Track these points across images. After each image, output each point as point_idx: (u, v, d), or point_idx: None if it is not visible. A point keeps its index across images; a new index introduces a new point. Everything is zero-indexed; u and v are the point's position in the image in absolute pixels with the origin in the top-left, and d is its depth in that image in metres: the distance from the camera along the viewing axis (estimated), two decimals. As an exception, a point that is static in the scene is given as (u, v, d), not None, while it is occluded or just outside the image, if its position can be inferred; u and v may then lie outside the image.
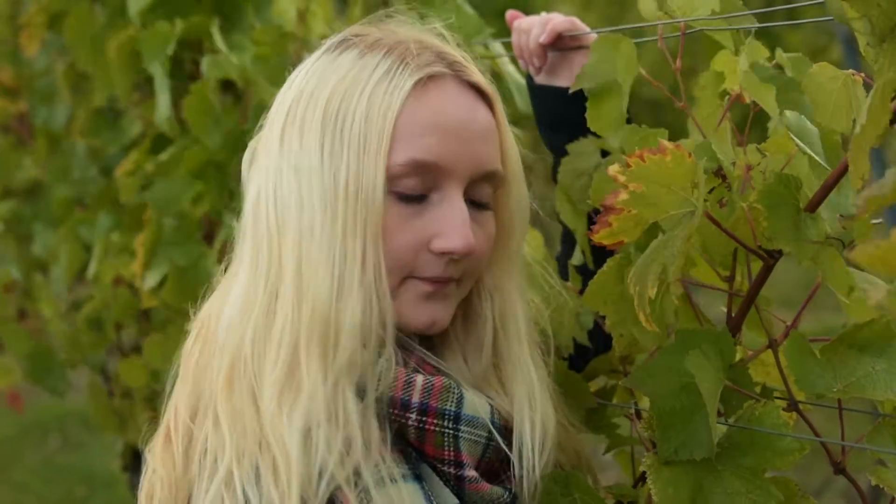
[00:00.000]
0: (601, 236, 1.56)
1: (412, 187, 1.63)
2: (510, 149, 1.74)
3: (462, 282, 1.71)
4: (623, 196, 1.51)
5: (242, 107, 2.62)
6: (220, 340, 1.67)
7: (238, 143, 2.60)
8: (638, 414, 1.82)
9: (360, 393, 1.60)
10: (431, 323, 1.69)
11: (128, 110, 2.99)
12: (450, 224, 1.63)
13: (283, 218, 1.64)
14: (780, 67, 1.73)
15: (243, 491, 1.54)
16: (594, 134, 1.88)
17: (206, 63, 2.53)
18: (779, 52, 1.73)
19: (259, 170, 1.71)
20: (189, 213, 2.72)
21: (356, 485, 1.55)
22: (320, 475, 1.53)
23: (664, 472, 1.60)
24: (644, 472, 1.72)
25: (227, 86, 2.69)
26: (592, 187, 1.70)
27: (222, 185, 2.67)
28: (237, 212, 1.76)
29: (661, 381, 1.62)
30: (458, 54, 1.73)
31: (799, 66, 1.71)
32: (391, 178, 1.62)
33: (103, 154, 3.15)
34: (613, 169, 1.51)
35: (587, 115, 1.75)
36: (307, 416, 1.55)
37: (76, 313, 3.34)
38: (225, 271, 1.79)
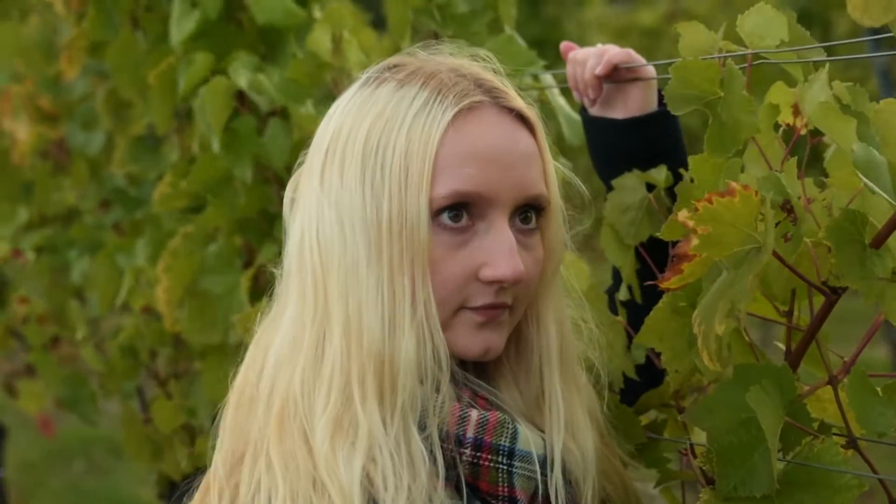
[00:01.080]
0: (672, 283, 1.55)
1: (457, 218, 1.61)
2: (552, 173, 1.73)
3: (514, 308, 1.68)
4: (695, 242, 1.50)
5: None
6: (267, 383, 1.66)
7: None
8: (692, 449, 1.80)
9: (421, 428, 1.59)
10: (486, 351, 1.67)
11: (167, 137, 2.99)
12: (497, 252, 1.61)
13: (327, 256, 1.63)
14: (838, 99, 1.71)
15: None
16: (646, 167, 1.87)
17: (249, 88, 2.53)
18: (837, 83, 1.71)
19: (301, 207, 1.71)
20: (229, 240, 2.72)
21: None
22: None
23: (723, 509, 1.60)
24: (699, 506, 1.72)
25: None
26: (666, 226, 1.68)
27: (263, 212, 2.67)
28: (278, 241, 1.76)
29: (721, 417, 1.61)
30: (496, 80, 1.72)
31: (857, 98, 1.70)
32: (435, 211, 1.60)
33: (141, 181, 3.16)
34: (682, 215, 1.50)
35: (707, 135, 1.73)
36: (366, 456, 1.55)
37: (112, 341, 3.34)
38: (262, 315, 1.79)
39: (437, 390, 1.61)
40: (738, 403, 1.57)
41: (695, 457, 1.76)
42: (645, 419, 1.96)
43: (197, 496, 1.70)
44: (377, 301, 1.59)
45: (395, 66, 1.72)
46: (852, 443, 1.64)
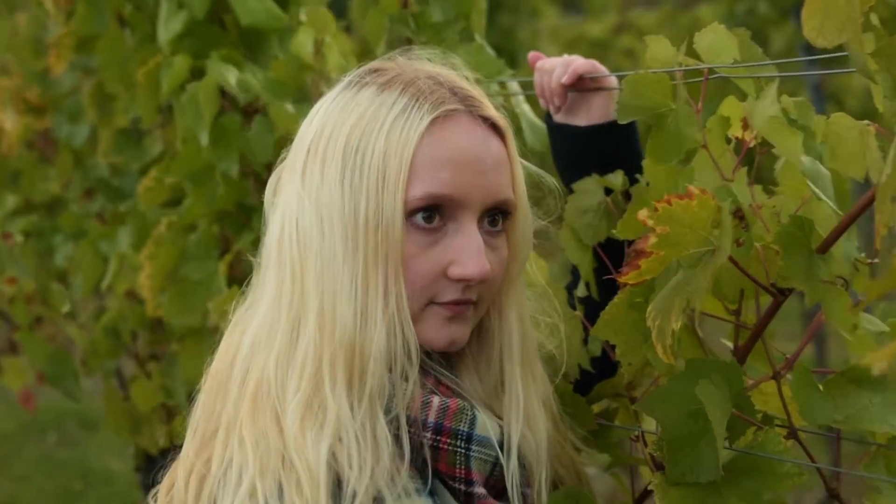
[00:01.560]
0: (630, 278, 1.56)
1: (429, 219, 1.63)
2: (520, 179, 1.75)
3: (478, 304, 1.71)
4: (653, 240, 1.52)
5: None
6: (242, 367, 1.68)
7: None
8: (642, 436, 1.82)
9: (385, 411, 1.61)
10: (451, 343, 1.69)
11: (151, 131, 3.00)
12: (465, 252, 1.63)
13: (305, 249, 1.65)
14: (786, 112, 1.73)
15: (266, 502, 1.55)
16: (604, 172, 1.89)
17: (237, 85, 2.53)
18: (785, 97, 1.73)
19: (282, 201, 1.72)
20: (209, 230, 2.72)
21: (376, 499, 1.56)
22: (343, 491, 1.55)
23: (671, 493, 1.62)
24: (645, 489, 1.74)
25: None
26: (621, 225, 1.69)
27: (240, 204, 2.67)
28: (254, 230, 1.76)
29: (672, 407, 1.63)
30: (471, 89, 1.73)
31: (803, 111, 1.72)
32: (410, 211, 1.62)
33: (125, 172, 3.16)
34: (642, 214, 1.52)
35: (648, 145, 1.76)
36: (333, 437, 1.57)
37: (95, 323, 3.34)
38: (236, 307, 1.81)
39: (406, 379, 1.63)
40: (688, 395, 1.59)
41: (645, 444, 1.77)
42: (598, 407, 1.97)
43: (167, 476, 1.71)
44: (351, 293, 1.61)
45: (376, 70, 1.74)
46: (793, 434, 1.66)
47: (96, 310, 3.46)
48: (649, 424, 1.80)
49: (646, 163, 1.80)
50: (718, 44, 1.75)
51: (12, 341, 4.61)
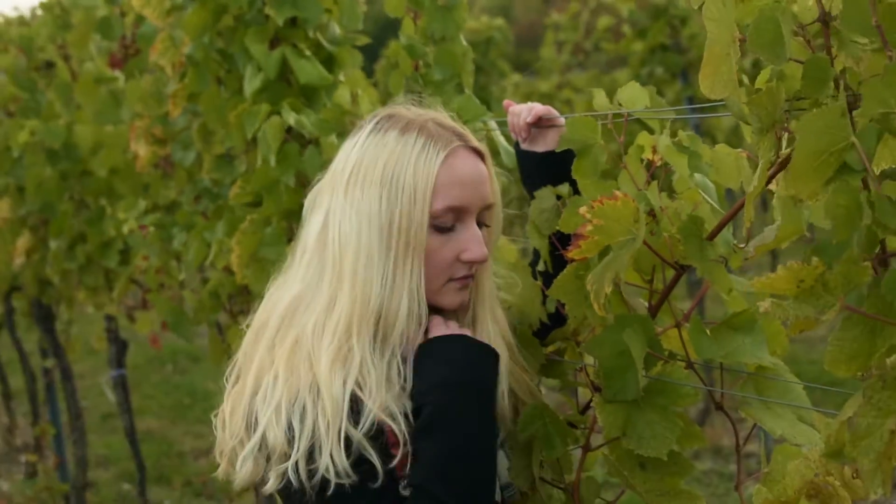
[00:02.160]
0: (574, 254, 1.57)
1: (447, 222, 1.68)
2: (496, 186, 1.78)
3: (478, 276, 1.75)
4: (590, 227, 1.52)
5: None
6: (275, 324, 1.68)
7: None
8: (584, 368, 1.81)
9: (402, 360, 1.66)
10: (461, 305, 1.75)
11: (238, 156, 2.98)
12: (472, 242, 1.69)
13: (344, 246, 1.66)
14: (680, 143, 1.73)
15: (289, 420, 1.56)
16: (556, 184, 1.87)
17: (295, 124, 2.53)
18: (681, 132, 1.74)
19: (322, 208, 1.72)
20: (279, 224, 2.72)
21: (392, 418, 1.57)
22: (362, 409, 1.56)
23: (607, 408, 1.62)
24: (588, 404, 1.75)
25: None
26: (563, 218, 1.70)
27: (300, 206, 2.66)
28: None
29: (606, 348, 1.63)
30: (459, 126, 1.77)
31: (694, 142, 1.73)
32: (434, 217, 1.66)
33: (221, 184, 3.15)
34: (583, 209, 1.53)
35: (574, 165, 1.78)
36: (356, 376, 1.58)
37: (202, 288, 3.34)
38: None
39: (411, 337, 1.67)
40: (618, 340, 1.60)
41: (587, 374, 1.77)
42: (553, 347, 1.96)
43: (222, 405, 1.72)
44: (382, 277, 1.64)
45: (390, 116, 1.75)
46: (690, 366, 1.65)
47: (202, 279, 3.46)
48: (589, 360, 1.78)
49: (575, 177, 1.82)
50: (634, 96, 1.76)
51: (144, 300, 4.61)
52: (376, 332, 1.64)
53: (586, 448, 1.78)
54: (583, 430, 1.84)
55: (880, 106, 1.10)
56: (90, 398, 8.39)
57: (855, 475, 1.29)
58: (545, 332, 1.93)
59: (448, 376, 1.63)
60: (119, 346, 5.00)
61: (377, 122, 1.74)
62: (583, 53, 9.33)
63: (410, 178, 1.66)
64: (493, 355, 1.70)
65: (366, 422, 1.55)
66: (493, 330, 1.78)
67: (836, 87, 1.26)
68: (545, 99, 8.25)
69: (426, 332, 1.69)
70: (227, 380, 1.74)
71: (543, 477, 1.86)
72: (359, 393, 1.57)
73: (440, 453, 1.57)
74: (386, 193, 1.65)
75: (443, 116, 1.77)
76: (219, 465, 1.72)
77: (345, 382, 1.57)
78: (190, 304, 3.67)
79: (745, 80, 1.44)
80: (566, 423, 1.82)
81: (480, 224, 1.74)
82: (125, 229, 3.87)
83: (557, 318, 1.90)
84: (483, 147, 1.77)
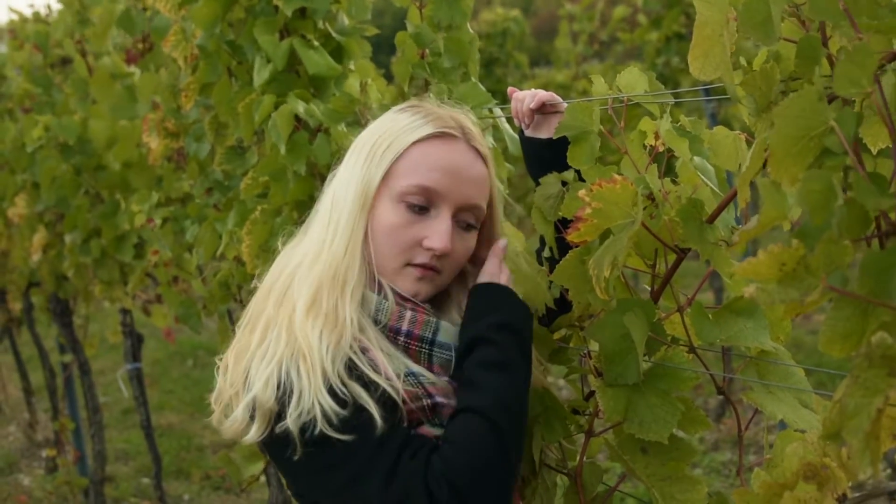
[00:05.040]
0: (573, 237, 1.57)
1: (417, 201, 1.71)
2: (496, 190, 1.83)
3: (443, 273, 1.76)
4: (588, 210, 1.52)
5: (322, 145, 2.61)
6: (283, 282, 1.72)
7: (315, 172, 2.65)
8: (589, 354, 1.81)
9: (376, 322, 1.68)
10: (415, 294, 1.75)
11: (249, 148, 2.99)
12: (436, 231, 1.71)
13: (334, 209, 1.74)
14: (683, 127, 1.73)
15: (279, 371, 1.58)
16: (561, 170, 1.87)
17: (305, 113, 2.54)
18: (683, 117, 1.74)
19: (333, 183, 1.79)
20: (289, 214, 2.73)
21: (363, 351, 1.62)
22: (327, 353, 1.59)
23: (608, 392, 1.62)
24: (592, 391, 1.74)
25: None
26: (565, 203, 1.70)
27: (310, 196, 2.66)
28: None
29: (608, 333, 1.63)
30: (474, 129, 1.80)
31: (695, 126, 1.73)
32: (405, 193, 1.70)
33: (232, 176, 3.16)
34: (582, 193, 1.53)
35: (569, 152, 1.76)
36: (321, 325, 1.61)
37: (212, 279, 3.34)
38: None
39: (385, 298, 1.71)
40: (619, 324, 1.60)
41: (591, 359, 1.77)
42: (558, 334, 1.96)
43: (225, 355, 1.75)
44: (345, 238, 1.70)
45: (415, 105, 1.82)
46: (692, 350, 1.65)
47: (214, 270, 3.47)
48: (594, 346, 1.78)
49: (570, 163, 1.81)
50: (633, 80, 1.76)
51: (158, 294, 4.63)
52: (342, 288, 1.67)
53: (589, 433, 1.78)
54: (586, 416, 1.84)
55: (852, 86, 1.10)
56: (111, 393, 8.44)
57: (850, 456, 1.29)
58: (551, 318, 1.93)
59: (511, 321, 1.68)
60: (134, 340, 5.03)
61: (403, 106, 1.82)
62: (598, 44, 9.31)
63: (387, 145, 1.73)
64: (531, 316, 1.76)
65: (331, 357, 1.59)
66: None
67: (831, 66, 1.26)
68: (560, 90, 8.24)
69: (400, 316, 1.70)
70: (235, 330, 1.78)
71: (548, 463, 1.87)
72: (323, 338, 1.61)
73: (505, 386, 1.61)
74: (366, 159, 1.73)
75: (462, 115, 1.81)
76: (228, 446, 1.74)
77: (313, 327, 1.61)
78: (200, 295, 3.68)
79: (743, 61, 1.45)
80: (569, 408, 1.82)
81: (464, 224, 1.76)
82: (136, 222, 3.88)
83: (563, 304, 1.90)
84: (487, 153, 1.81)
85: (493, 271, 1.76)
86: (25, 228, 5.03)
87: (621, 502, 3.43)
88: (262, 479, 3.26)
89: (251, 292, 1.84)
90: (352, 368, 1.58)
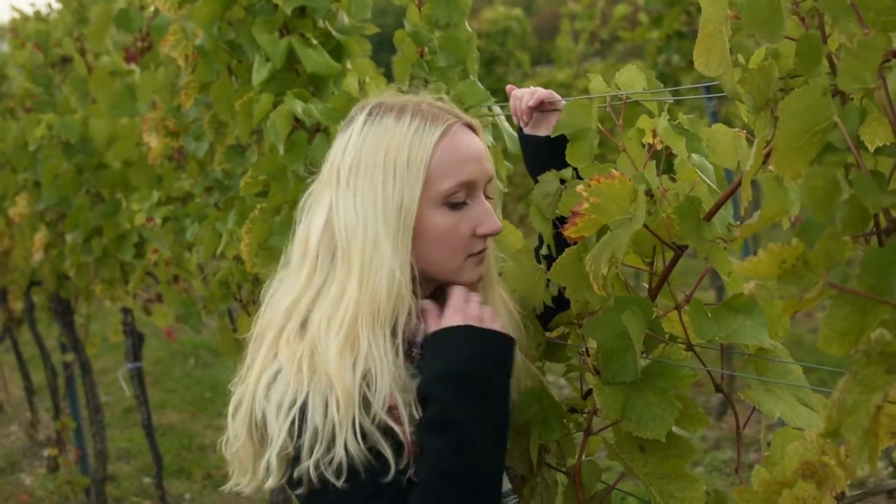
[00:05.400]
0: (570, 232, 1.57)
1: (460, 198, 1.68)
2: (491, 156, 1.79)
3: (487, 247, 1.76)
4: (585, 205, 1.52)
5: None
6: (282, 326, 1.64)
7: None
8: (586, 351, 1.80)
9: (394, 334, 1.62)
10: (480, 278, 1.74)
11: (249, 146, 2.99)
12: (486, 216, 1.70)
13: (352, 237, 1.64)
14: (681, 125, 1.72)
15: (293, 416, 1.53)
16: (559, 168, 1.87)
17: (303, 112, 2.53)
18: (681, 115, 1.73)
19: (323, 205, 1.70)
20: (288, 213, 2.72)
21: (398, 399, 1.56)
22: (372, 392, 1.54)
23: (605, 390, 1.62)
24: (590, 389, 1.73)
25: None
26: (562, 200, 1.70)
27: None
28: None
29: (606, 330, 1.62)
30: (450, 105, 1.77)
31: (694, 124, 1.72)
32: (447, 195, 1.66)
33: (232, 175, 3.16)
34: (579, 188, 1.53)
35: (567, 150, 1.76)
36: (364, 366, 1.56)
37: (212, 278, 3.34)
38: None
39: (409, 315, 1.64)
40: (617, 322, 1.59)
41: (588, 356, 1.76)
42: (557, 332, 1.96)
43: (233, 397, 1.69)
44: (391, 259, 1.62)
45: (380, 104, 1.73)
46: (690, 348, 1.64)
47: (214, 269, 3.46)
48: (592, 344, 1.78)
49: (568, 161, 1.81)
50: (631, 78, 1.75)
51: (159, 293, 4.63)
52: (381, 318, 1.60)
53: (587, 432, 1.78)
54: (585, 415, 1.83)
55: (856, 82, 1.09)
56: (113, 392, 8.44)
57: (848, 454, 1.29)
58: (549, 316, 1.93)
59: (455, 369, 1.57)
60: (135, 339, 5.02)
61: (369, 112, 1.72)
62: (600, 42, 9.31)
63: (406, 156, 1.65)
64: (505, 343, 1.63)
65: (375, 417, 1.53)
66: (503, 307, 1.79)
67: (831, 64, 1.25)
68: (561, 88, 8.24)
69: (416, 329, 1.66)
70: (232, 387, 1.70)
71: (548, 462, 1.87)
72: (366, 389, 1.54)
73: (446, 450, 1.52)
74: (388, 177, 1.64)
75: (432, 99, 1.76)
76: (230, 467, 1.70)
77: (354, 369, 1.54)
78: (200, 295, 3.68)
79: (741, 59, 1.44)
80: (567, 407, 1.82)
81: (487, 196, 1.74)
82: (136, 221, 3.87)
83: (561, 302, 1.90)
84: (475, 121, 1.77)
85: (456, 306, 1.67)
86: (27, 227, 5.03)
87: (622, 501, 3.43)
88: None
89: (253, 297, 1.81)
90: (368, 407, 1.54)
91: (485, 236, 1.70)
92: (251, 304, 3.18)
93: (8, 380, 8.71)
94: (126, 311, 4.99)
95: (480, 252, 1.71)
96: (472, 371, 1.57)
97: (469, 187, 1.68)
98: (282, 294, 1.69)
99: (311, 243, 1.68)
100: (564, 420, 1.79)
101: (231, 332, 3.46)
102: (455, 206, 1.67)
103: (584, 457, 1.79)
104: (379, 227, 1.62)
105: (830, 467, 1.33)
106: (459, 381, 1.55)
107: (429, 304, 1.68)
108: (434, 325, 1.64)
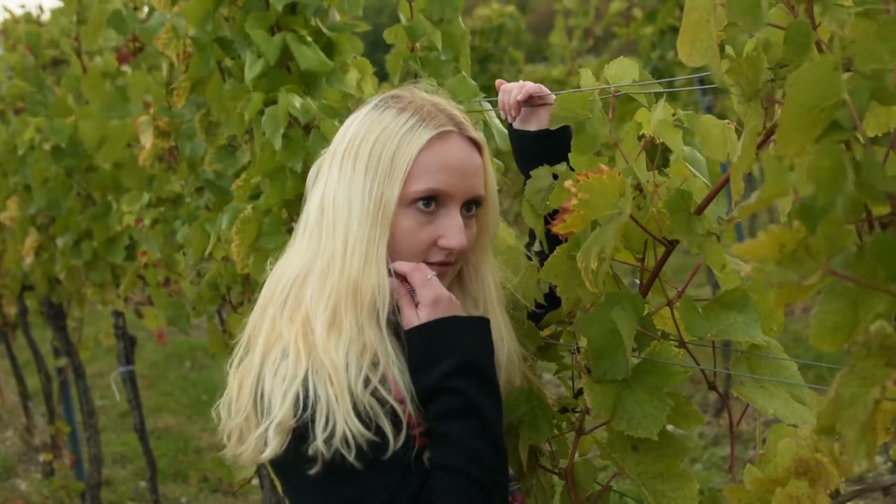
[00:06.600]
0: (558, 228, 1.55)
1: (427, 205, 1.68)
2: (491, 179, 1.79)
3: (455, 265, 1.75)
4: (574, 201, 1.50)
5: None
6: (284, 300, 1.68)
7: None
8: (578, 350, 1.79)
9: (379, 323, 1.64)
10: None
11: (240, 146, 2.98)
12: (451, 230, 1.69)
13: (337, 220, 1.68)
14: (679, 120, 1.71)
15: (296, 391, 1.55)
16: (551, 163, 1.85)
17: (297, 110, 2.51)
18: (678, 110, 1.73)
19: (322, 184, 1.74)
20: (278, 214, 2.71)
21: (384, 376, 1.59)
22: (357, 376, 1.56)
23: (596, 388, 1.61)
24: (581, 388, 1.72)
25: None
26: (552, 196, 1.68)
27: (300, 195, 2.65)
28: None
29: (596, 328, 1.61)
30: (461, 115, 1.76)
31: (690, 119, 1.72)
32: (415, 198, 1.67)
33: (223, 175, 3.14)
34: (568, 183, 1.52)
35: (573, 143, 1.76)
36: (347, 347, 1.58)
37: (202, 279, 3.33)
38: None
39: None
40: (607, 318, 1.59)
41: (578, 355, 1.75)
42: (548, 331, 1.95)
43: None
44: (362, 251, 1.65)
45: (395, 96, 1.77)
46: (682, 344, 1.63)
47: (203, 270, 3.45)
48: (584, 343, 1.76)
49: (572, 155, 1.79)
50: (622, 71, 1.75)
51: (149, 296, 4.61)
52: (359, 298, 1.63)
53: (580, 431, 1.76)
54: (577, 414, 1.82)
55: (873, 62, 1.07)
56: (109, 396, 8.41)
57: (842, 451, 1.27)
58: (540, 315, 1.92)
59: (472, 362, 1.62)
60: (127, 343, 5.01)
61: (379, 101, 1.77)
62: (594, 39, 9.31)
63: (391, 154, 1.68)
64: (489, 328, 1.70)
65: (358, 383, 1.56)
66: (503, 322, 1.79)
67: (820, 52, 1.24)
68: (557, 85, 8.23)
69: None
70: (231, 362, 1.72)
71: (543, 465, 1.85)
72: (364, 366, 1.57)
73: (474, 435, 1.58)
74: (371, 169, 1.68)
75: (446, 103, 1.78)
76: (224, 447, 1.70)
77: (338, 347, 1.58)
78: (189, 297, 3.66)
79: (729, 50, 1.42)
80: (559, 406, 1.80)
81: (468, 215, 1.74)
82: (125, 223, 3.86)
83: (552, 300, 1.89)
84: (481, 139, 1.77)
85: (429, 297, 1.67)
86: (18, 231, 5.01)
87: (621, 500, 3.40)
88: (255, 481, 3.24)
89: (243, 298, 1.82)
90: (366, 384, 1.57)
91: (445, 249, 1.69)
92: (241, 305, 3.16)
93: (3, 385, 8.70)
94: (118, 314, 4.97)
95: (440, 264, 1.71)
96: (485, 362, 1.64)
97: (441, 196, 1.69)
98: (285, 263, 1.75)
99: (311, 216, 1.74)
100: (554, 420, 1.78)
101: (221, 334, 3.44)
102: (423, 210, 1.68)
103: (578, 457, 1.78)
104: (360, 216, 1.67)
105: (824, 465, 1.31)
106: (479, 372, 1.62)
107: (397, 285, 1.69)
108: (409, 311, 1.67)
